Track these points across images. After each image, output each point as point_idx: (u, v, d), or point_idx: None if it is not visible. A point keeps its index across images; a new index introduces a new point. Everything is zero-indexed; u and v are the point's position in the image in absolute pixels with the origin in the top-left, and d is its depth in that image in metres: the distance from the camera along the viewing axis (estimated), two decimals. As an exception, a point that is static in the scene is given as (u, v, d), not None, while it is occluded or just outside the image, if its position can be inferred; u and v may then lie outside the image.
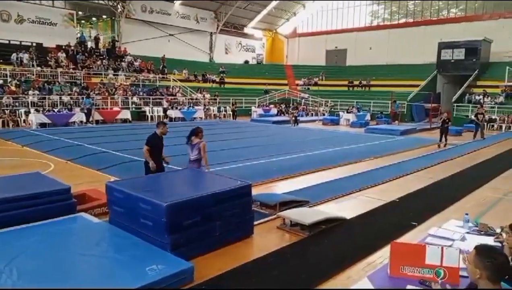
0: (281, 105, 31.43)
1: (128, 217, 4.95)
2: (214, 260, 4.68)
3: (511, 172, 10.39)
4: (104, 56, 28.01)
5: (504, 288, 2.33)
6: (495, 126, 23.02)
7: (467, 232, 4.25)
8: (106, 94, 23.42)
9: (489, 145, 15.73)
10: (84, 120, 20.43)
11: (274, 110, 29.93)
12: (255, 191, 6.80)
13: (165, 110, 24.33)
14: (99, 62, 26.64)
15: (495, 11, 29.71)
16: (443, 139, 15.38)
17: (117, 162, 10.18)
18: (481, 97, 25.74)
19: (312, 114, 29.98)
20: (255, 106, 29.98)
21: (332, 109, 29.66)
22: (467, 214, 4.56)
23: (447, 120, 15.65)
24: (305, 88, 34.95)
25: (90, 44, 29.71)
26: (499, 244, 3.71)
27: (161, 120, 11.26)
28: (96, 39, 30.15)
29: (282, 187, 8.25)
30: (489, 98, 25.55)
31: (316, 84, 35.24)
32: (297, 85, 35.71)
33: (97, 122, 21.13)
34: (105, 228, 5.04)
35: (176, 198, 4.67)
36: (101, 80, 25.16)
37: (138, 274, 3.73)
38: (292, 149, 13.15)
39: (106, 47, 29.92)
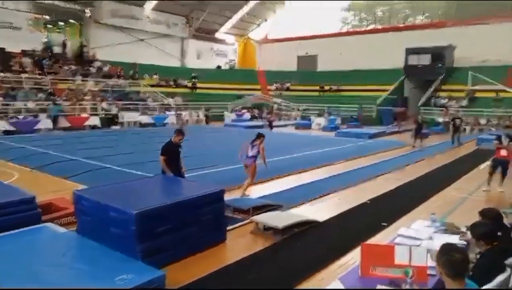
0: (254, 110, 31.52)
1: (97, 226, 4.80)
2: (187, 267, 4.62)
3: (474, 173, 10.82)
4: (72, 61, 27.22)
5: (468, 288, 2.41)
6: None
7: (434, 232, 4.37)
8: (74, 100, 22.75)
9: (454, 147, 16.29)
10: (51, 127, 19.78)
11: (247, 115, 29.98)
12: (230, 196, 6.77)
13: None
14: (66, 68, 25.88)
15: (458, 18, 30.91)
16: (418, 140, 15.83)
17: (85, 169, 9.87)
18: (446, 100, 26.69)
19: (285, 118, 30.21)
20: (227, 111, 29.92)
21: (304, 114, 30.00)
22: (433, 214, 4.70)
23: (420, 122, 16.24)
24: (277, 93, 35.21)
25: (57, 49, 28.83)
26: (464, 243, 3.84)
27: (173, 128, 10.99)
28: (64, 44, 29.29)
29: (258, 190, 8.26)
30: (454, 101, 26.54)
31: (288, 89, 35.58)
32: (269, 90, 35.92)
33: (64, 129, 20.49)
34: (72, 238, 4.87)
35: (146, 205, 4.58)
36: (69, 86, 24.45)
37: (107, 285, 3.61)
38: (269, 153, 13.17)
39: (74, 52, 29.11)
